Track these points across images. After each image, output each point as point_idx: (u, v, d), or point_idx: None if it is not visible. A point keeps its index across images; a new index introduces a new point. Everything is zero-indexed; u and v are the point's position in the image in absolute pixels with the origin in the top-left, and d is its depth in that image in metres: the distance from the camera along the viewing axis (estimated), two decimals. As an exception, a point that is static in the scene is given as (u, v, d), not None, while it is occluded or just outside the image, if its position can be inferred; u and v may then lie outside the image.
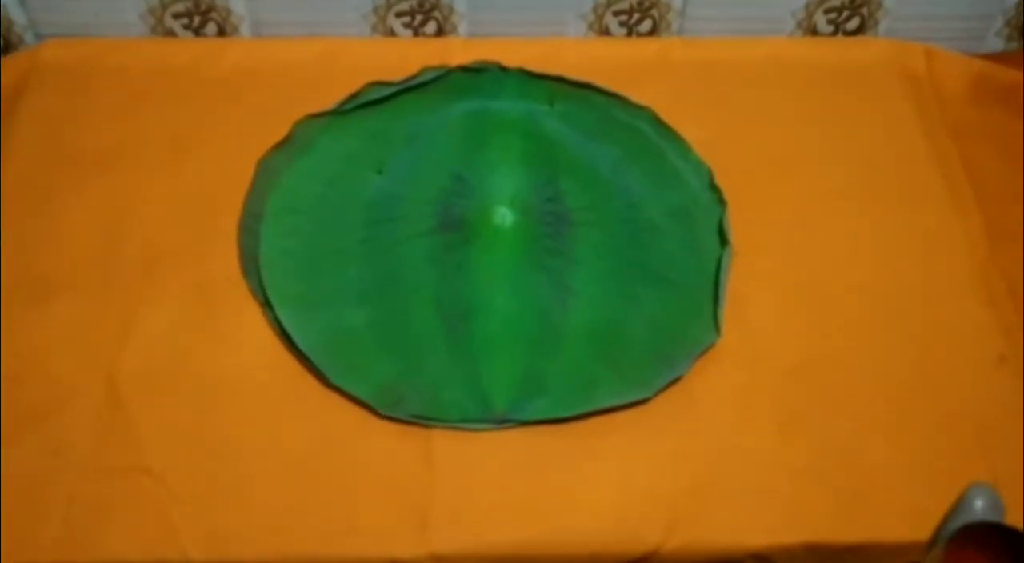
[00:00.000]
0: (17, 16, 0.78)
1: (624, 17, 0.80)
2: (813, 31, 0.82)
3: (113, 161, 0.70)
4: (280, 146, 0.70)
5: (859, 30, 0.82)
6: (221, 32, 0.80)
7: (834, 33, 0.83)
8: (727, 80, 0.76)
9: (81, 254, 0.65)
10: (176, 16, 0.78)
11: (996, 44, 0.83)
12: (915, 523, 0.55)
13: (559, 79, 0.74)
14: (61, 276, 0.64)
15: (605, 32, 0.81)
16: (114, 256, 0.65)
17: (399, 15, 0.79)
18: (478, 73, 0.75)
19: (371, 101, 0.73)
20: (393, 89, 0.74)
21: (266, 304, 0.63)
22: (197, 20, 0.79)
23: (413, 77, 0.74)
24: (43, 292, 0.63)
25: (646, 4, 0.79)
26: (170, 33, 0.80)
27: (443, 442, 0.58)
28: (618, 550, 0.55)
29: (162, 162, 0.71)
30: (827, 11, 0.81)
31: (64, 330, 0.62)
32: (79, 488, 0.55)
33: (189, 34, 0.80)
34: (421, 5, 0.79)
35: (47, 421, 0.58)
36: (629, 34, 0.81)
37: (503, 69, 0.75)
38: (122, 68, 0.76)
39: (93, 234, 0.66)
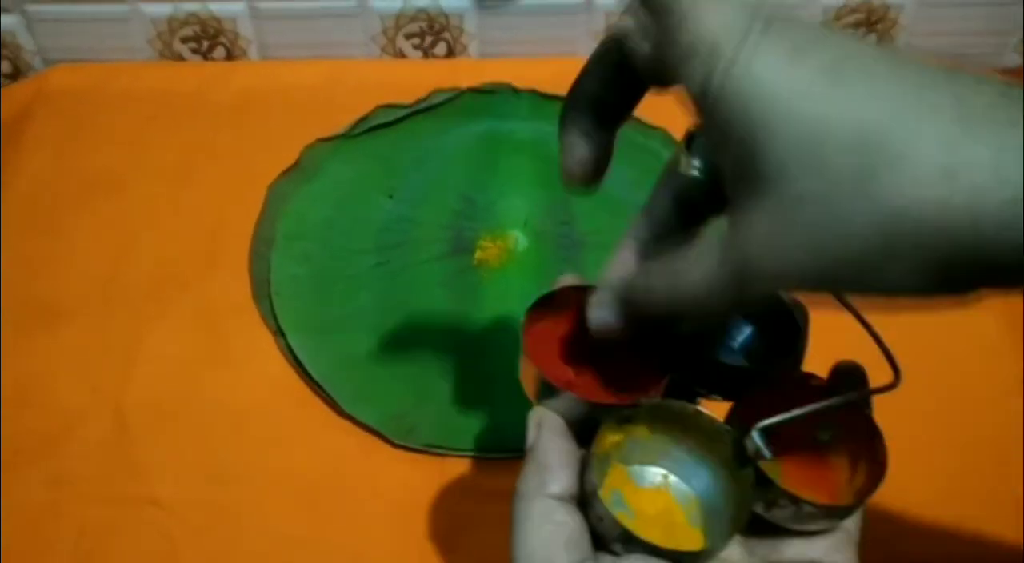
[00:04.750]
0: (26, 42, 0.78)
1: (636, 36, 0.79)
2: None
3: (121, 185, 0.70)
4: (289, 171, 0.70)
5: (874, 47, 0.82)
6: (229, 55, 0.79)
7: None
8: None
9: (88, 279, 0.65)
10: (184, 40, 0.78)
11: (1014, 60, 0.82)
12: (935, 551, 0.54)
13: (571, 99, 0.74)
14: (68, 301, 0.64)
15: (617, 52, 0.80)
16: (122, 281, 0.65)
17: (408, 37, 0.79)
18: (489, 94, 0.74)
19: (381, 124, 0.73)
20: (403, 112, 0.73)
21: (277, 331, 0.62)
22: (205, 44, 0.78)
23: (423, 99, 0.74)
24: (50, 317, 0.63)
25: (658, 23, 0.79)
26: (178, 57, 0.79)
27: (456, 469, 0.57)
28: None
29: (170, 186, 0.70)
30: (842, 28, 0.80)
31: (71, 356, 0.61)
32: (87, 519, 0.54)
33: (197, 58, 0.79)
34: (431, 26, 0.78)
35: (53, 449, 0.57)
36: (641, 53, 0.80)
37: (515, 90, 0.75)
38: (130, 92, 0.76)
39: (101, 259, 0.66)
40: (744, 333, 0.40)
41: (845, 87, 0.29)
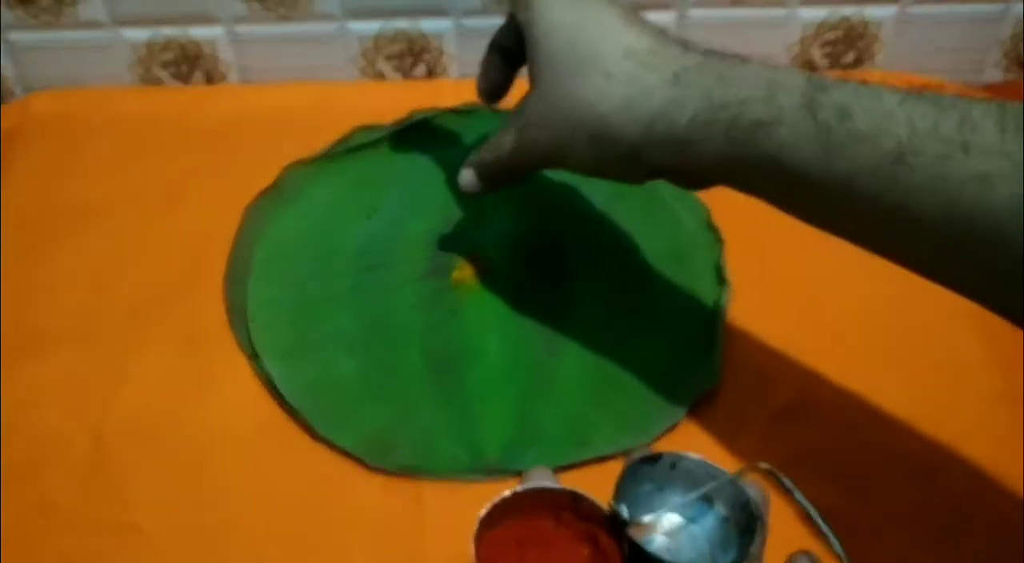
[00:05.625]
0: (7, 70, 0.78)
1: (616, 55, 0.80)
2: (809, 65, 0.81)
3: (103, 211, 0.70)
4: (267, 193, 0.70)
5: (856, 63, 0.82)
6: (209, 80, 0.80)
7: (830, 67, 0.82)
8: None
9: (71, 306, 0.65)
10: (164, 65, 0.78)
11: (995, 75, 0.82)
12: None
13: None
14: (50, 328, 0.63)
15: (597, 71, 0.81)
16: (103, 307, 0.65)
17: (389, 58, 0.79)
18: (468, 115, 0.74)
19: (360, 145, 0.73)
20: (381, 133, 0.73)
21: (253, 355, 0.62)
22: (185, 69, 0.79)
23: (402, 120, 0.74)
24: (32, 344, 0.62)
25: (638, 42, 0.79)
26: (158, 82, 0.80)
27: (433, 493, 0.56)
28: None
29: (152, 211, 0.70)
30: (823, 45, 0.80)
31: (52, 383, 0.61)
32: (69, 545, 0.54)
33: (177, 83, 0.80)
34: (411, 48, 0.78)
35: (35, 476, 0.57)
36: (622, 72, 0.81)
37: (493, 110, 0.74)
38: (111, 118, 0.76)
39: (83, 285, 0.66)
40: (709, 522, 0.43)
41: (585, 31, 0.50)
